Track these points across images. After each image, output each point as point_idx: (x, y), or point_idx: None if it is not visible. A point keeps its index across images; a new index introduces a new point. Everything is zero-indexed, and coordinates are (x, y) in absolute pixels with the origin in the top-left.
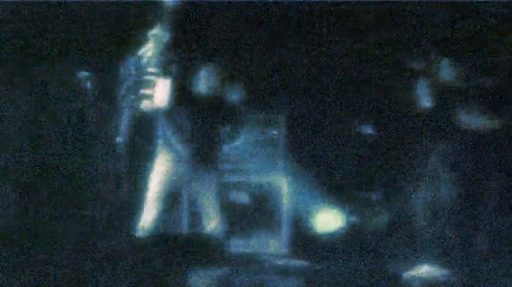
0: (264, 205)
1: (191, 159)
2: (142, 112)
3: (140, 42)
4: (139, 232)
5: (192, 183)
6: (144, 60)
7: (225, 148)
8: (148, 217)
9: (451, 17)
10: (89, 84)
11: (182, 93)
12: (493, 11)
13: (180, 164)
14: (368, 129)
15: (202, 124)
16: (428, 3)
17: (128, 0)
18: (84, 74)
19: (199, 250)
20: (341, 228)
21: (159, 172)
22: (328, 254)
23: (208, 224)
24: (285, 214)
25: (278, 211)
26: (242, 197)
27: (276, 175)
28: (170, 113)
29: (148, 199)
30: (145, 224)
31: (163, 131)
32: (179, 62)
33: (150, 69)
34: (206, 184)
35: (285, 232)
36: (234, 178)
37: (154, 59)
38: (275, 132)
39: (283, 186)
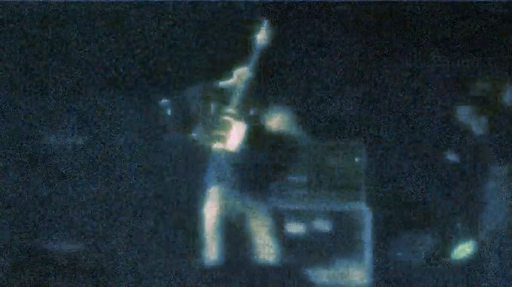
0: (346, 233)
1: (244, 190)
2: (213, 152)
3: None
4: (208, 261)
5: (246, 213)
6: (223, 97)
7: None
8: (213, 247)
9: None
10: (169, 111)
11: (254, 137)
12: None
13: (234, 195)
14: (452, 156)
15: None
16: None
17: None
18: (164, 101)
19: (281, 280)
20: (426, 258)
21: (214, 203)
22: (411, 284)
23: (262, 252)
24: (367, 243)
25: (360, 239)
26: (323, 226)
27: (358, 202)
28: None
29: (208, 229)
30: (211, 254)
31: (218, 167)
32: (259, 105)
33: (229, 110)
34: (259, 213)
35: (368, 261)
36: (315, 206)
37: (235, 99)
38: (357, 159)
39: (366, 214)
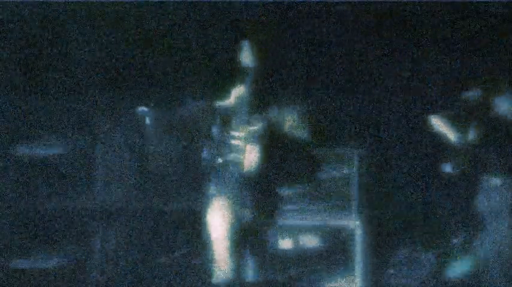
0: (336, 249)
1: (247, 206)
2: (232, 176)
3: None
4: (216, 278)
5: (248, 228)
6: (226, 119)
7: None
8: (219, 263)
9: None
10: (147, 120)
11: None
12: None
13: (237, 209)
14: (447, 168)
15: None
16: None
17: None
18: (143, 109)
19: None
20: (421, 272)
21: (219, 217)
22: None
23: (261, 268)
24: (357, 258)
25: (350, 255)
26: (310, 241)
27: (348, 216)
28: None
29: (213, 245)
30: (218, 271)
31: (223, 179)
32: (266, 124)
33: (237, 134)
34: (260, 229)
35: (358, 277)
36: (302, 220)
37: (240, 122)
38: (346, 170)
39: (356, 228)
